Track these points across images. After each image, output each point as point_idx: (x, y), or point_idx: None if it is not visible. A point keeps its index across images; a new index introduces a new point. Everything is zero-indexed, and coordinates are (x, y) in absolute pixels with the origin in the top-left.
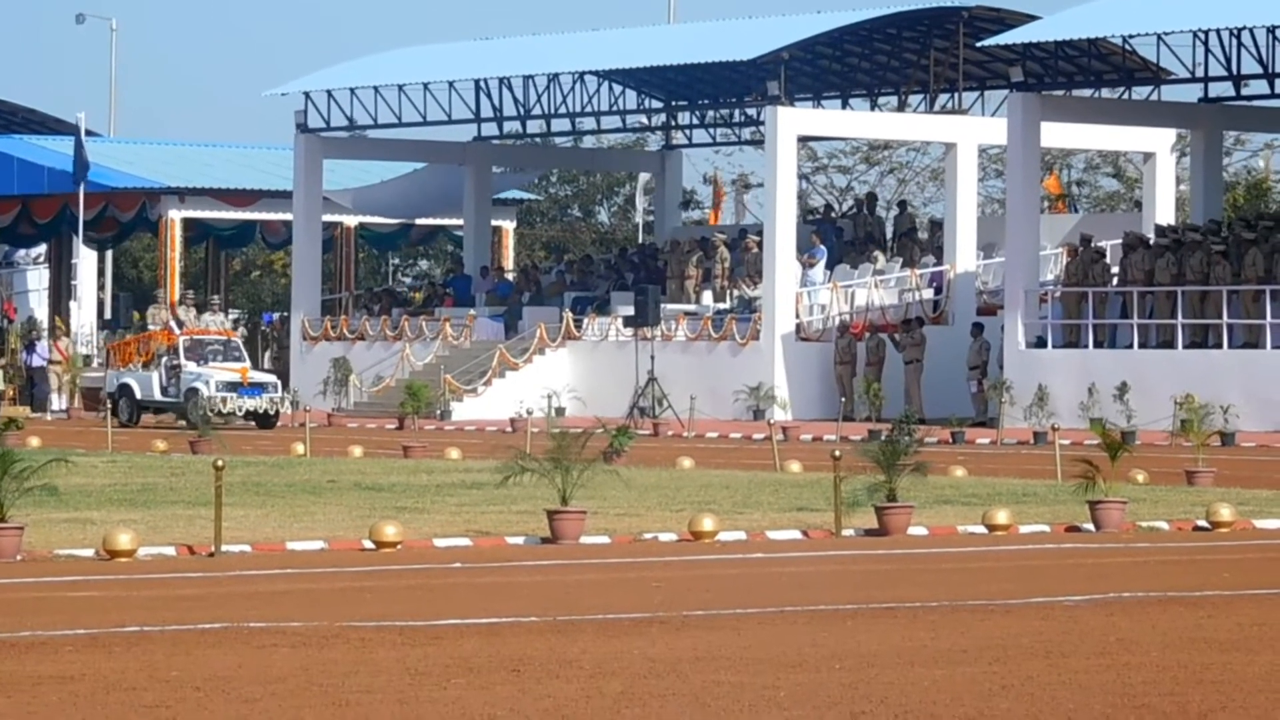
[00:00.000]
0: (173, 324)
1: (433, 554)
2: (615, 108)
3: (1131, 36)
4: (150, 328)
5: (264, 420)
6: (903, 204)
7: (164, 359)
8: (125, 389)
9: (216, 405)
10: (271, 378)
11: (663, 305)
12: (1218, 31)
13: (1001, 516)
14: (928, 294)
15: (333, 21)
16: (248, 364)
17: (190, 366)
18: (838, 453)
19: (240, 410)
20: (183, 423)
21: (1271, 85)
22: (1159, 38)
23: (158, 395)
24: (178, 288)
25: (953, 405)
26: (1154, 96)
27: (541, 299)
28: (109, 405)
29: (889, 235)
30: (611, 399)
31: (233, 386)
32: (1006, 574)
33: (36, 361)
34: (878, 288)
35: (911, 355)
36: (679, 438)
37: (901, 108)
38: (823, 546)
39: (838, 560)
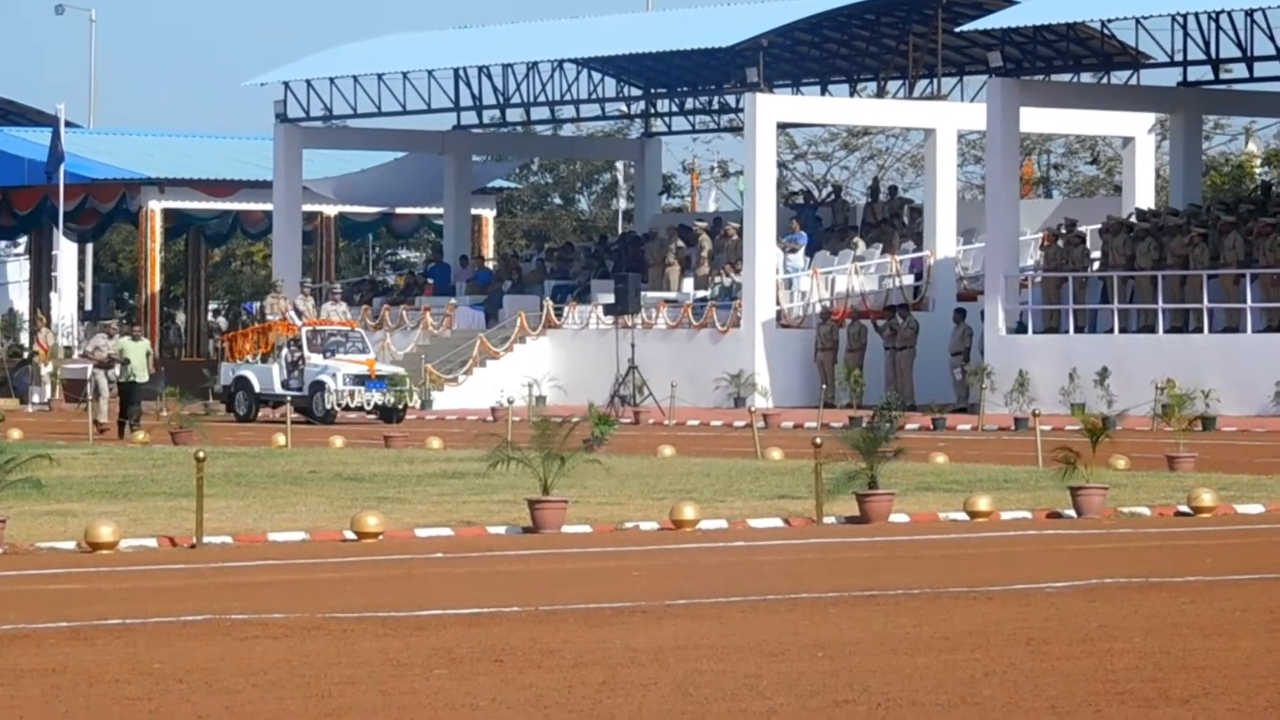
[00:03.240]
0: (292, 314)
1: (414, 544)
2: (594, 96)
3: (1110, 21)
4: (268, 318)
5: (390, 414)
6: (893, 189)
7: (284, 351)
8: (242, 382)
9: (344, 399)
10: (399, 370)
11: (643, 293)
12: (1196, 15)
13: (983, 503)
14: (908, 280)
15: (311, 11)
16: (374, 355)
17: (315, 359)
18: (819, 440)
19: (369, 404)
20: (301, 416)
21: (1250, 69)
22: (1137, 22)
23: (278, 388)
24: (158, 279)
25: (934, 391)
26: (1133, 81)
27: (522, 287)
28: (226, 399)
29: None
30: (592, 387)
31: (360, 379)
32: (988, 561)
33: None
34: (858, 274)
35: (904, 341)
36: (660, 426)
37: (880, 94)
38: (804, 534)
39: (819, 548)
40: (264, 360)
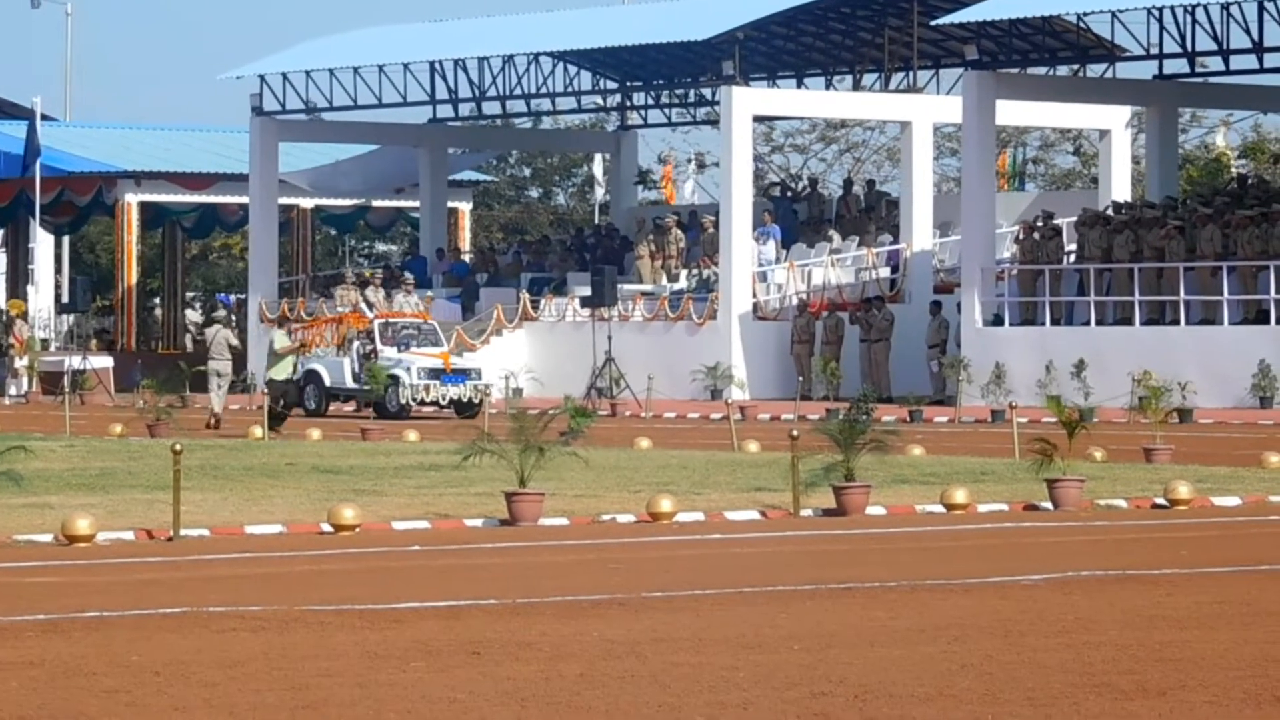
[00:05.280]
0: (363, 306)
1: (391, 537)
2: (571, 89)
3: (1086, 14)
4: (338, 310)
5: (465, 409)
6: (870, 182)
7: (355, 344)
8: (312, 376)
9: (419, 394)
10: (475, 363)
11: (619, 285)
12: (1172, 9)
13: (959, 495)
14: (884, 272)
15: (288, 4)
16: (447, 348)
17: (388, 352)
18: (795, 432)
19: (444, 399)
20: (371, 411)
21: (1226, 62)
22: (1113, 15)
23: (349, 383)
24: (134, 272)
25: (910, 384)
26: (1109, 74)
27: (499, 280)
28: (297, 394)
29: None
30: (569, 380)
31: (435, 373)
32: (965, 553)
33: None
34: (834, 266)
35: (880, 334)
36: (637, 418)
37: (856, 87)
38: (781, 527)
39: (796, 540)
40: (335, 354)
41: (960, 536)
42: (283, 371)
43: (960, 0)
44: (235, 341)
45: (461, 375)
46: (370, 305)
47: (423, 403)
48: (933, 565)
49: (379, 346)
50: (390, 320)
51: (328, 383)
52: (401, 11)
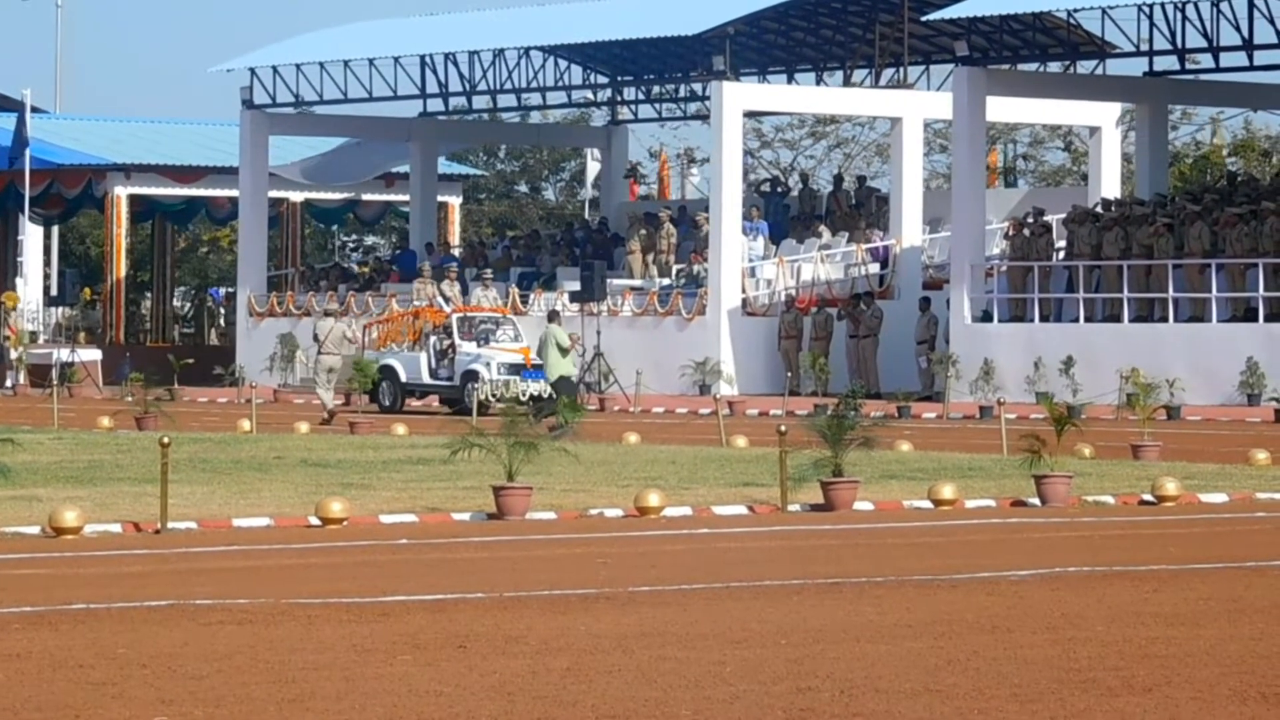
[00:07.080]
0: (440, 300)
1: (379, 530)
2: (561, 83)
3: (1076, 10)
4: (414, 303)
5: (544, 406)
6: (861, 179)
7: (432, 339)
8: (388, 371)
9: (499, 390)
10: None
11: (609, 280)
12: (1162, 5)
13: (947, 491)
14: (873, 268)
15: None
16: (528, 344)
17: (467, 347)
18: (783, 428)
19: (524, 395)
20: (445, 407)
21: (1216, 59)
22: (1104, 12)
23: (425, 378)
24: (123, 264)
25: (899, 379)
26: (1099, 70)
27: None
28: (370, 389)
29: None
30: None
31: (515, 369)
32: (952, 549)
33: None
34: (823, 262)
35: (868, 329)
36: (625, 413)
37: (847, 82)
38: (769, 522)
39: (784, 536)
40: (411, 348)
41: (948, 532)
42: (567, 368)
43: None
44: (350, 335)
45: (541, 371)
46: (447, 299)
47: (501, 399)
48: (920, 561)
49: (457, 341)
50: (468, 315)
51: (403, 378)
52: (392, 5)
